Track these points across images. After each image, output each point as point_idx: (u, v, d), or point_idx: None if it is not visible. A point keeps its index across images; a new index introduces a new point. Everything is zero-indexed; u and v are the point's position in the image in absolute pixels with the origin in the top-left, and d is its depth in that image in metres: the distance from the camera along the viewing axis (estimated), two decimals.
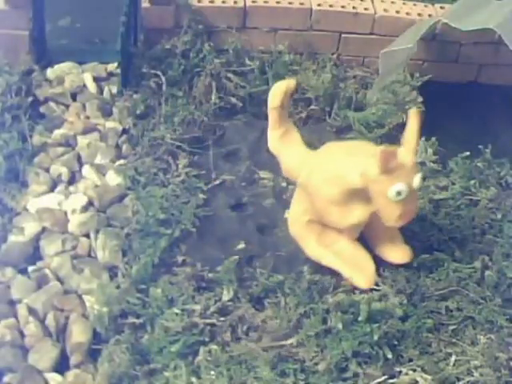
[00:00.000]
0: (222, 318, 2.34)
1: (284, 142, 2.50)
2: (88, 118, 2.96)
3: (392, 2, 3.21)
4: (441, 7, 3.22)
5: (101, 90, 3.08)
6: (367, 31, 3.16)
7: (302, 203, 2.47)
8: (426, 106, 2.98)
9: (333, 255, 2.48)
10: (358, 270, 2.47)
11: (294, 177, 2.49)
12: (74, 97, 3.04)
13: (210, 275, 2.44)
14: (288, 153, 2.49)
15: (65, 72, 3.12)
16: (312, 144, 2.91)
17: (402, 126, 2.93)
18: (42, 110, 2.97)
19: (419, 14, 3.16)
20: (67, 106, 3.00)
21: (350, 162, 2.34)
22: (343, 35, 3.16)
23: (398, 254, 2.52)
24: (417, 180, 2.28)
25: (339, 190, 2.33)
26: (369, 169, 2.25)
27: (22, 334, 2.29)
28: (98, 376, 2.21)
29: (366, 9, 3.14)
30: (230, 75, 3.04)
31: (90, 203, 2.66)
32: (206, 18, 3.07)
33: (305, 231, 2.50)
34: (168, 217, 2.56)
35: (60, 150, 2.82)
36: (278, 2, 3.11)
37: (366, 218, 2.38)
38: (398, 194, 2.24)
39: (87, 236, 2.57)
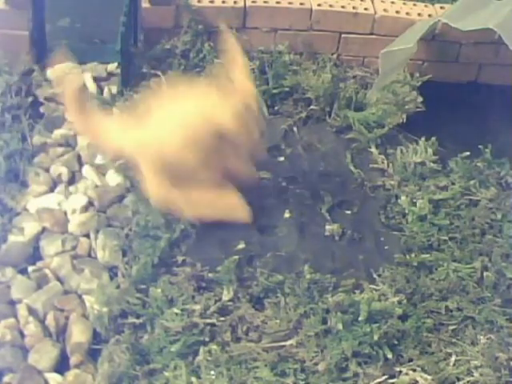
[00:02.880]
0: (222, 318, 2.34)
1: (95, 125, 2.48)
2: None
3: (392, 2, 3.21)
4: (441, 7, 3.22)
5: (101, 90, 3.08)
6: (367, 31, 3.16)
7: (159, 174, 2.44)
8: (426, 106, 2.99)
9: (206, 208, 2.52)
10: (233, 209, 2.54)
11: (127, 153, 2.47)
12: None
13: (210, 275, 2.44)
14: (107, 133, 2.47)
15: (65, 72, 3.12)
16: (312, 144, 2.93)
17: (402, 126, 2.96)
18: (41, 110, 2.97)
19: (419, 14, 3.16)
20: None
21: (193, 118, 2.38)
22: (343, 35, 3.16)
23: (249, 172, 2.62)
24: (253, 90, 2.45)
25: (199, 150, 2.38)
26: (224, 116, 2.36)
27: (22, 334, 2.29)
28: (98, 376, 2.21)
29: (366, 9, 3.15)
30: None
31: (90, 203, 2.66)
32: (205, 18, 3.07)
33: (172, 199, 2.49)
34: (168, 217, 2.56)
35: (60, 150, 2.82)
36: (278, 2, 3.11)
37: (230, 162, 2.47)
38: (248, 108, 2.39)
39: (87, 236, 2.57)
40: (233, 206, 2.55)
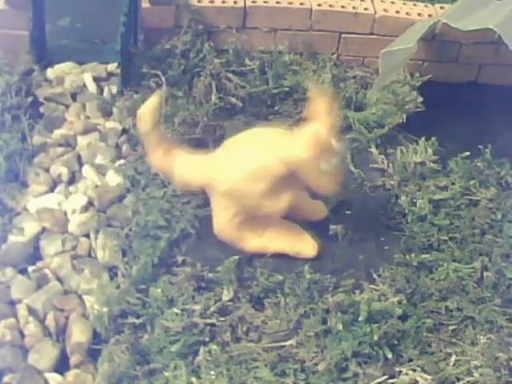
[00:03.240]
0: (222, 318, 2.34)
1: (170, 159, 2.52)
2: (88, 118, 2.96)
3: (392, 2, 3.21)
4: (441, 7, 3.22)
5: (101, 90, 3.08)
6: (367, 31, 3.16)
7: (227, 209, 2.48)
8: (426, 106, 2.99)
9: (272, 240, 2.53)
10: (299, 243, 2.54)
11: (196, 187, 2.53)
12: (74, 97, 3.04)
13: (210, 275, 2.44)
14: (180, 167, 2.51)
15: (65, 72, 3.12)
16: None
17: (402, 126, 2.96)
18: (41, 110, 2.97)
19: (419, 14, 3.16)
20: (67, 106, 3.00)
21: (264, 152, 2.41)
22: (343, 35, 3.16)
23: (316, 210, 2.63)
24: (337, 145, 2.39)
25: (266, 183, 2.39)
26: (297, 153, 2.36)
27: (22, 334, 2.29)
28: (98, 376, 2.21)
29: (365, 9, 3.14)
30: (229, 75, 3.04)
31: (90, 203, 2.66)
32: (205, 18, 3.07)
33: (238, 232, 2.52)
34: (168, 217, 2.56)
35: (60, 150, 2.82)
36: (277, 2, 3.11)
37: (294, 197, 2.46)
38: (328, 163, 2.38)
39: (87, 236, 2.57)
40: (299, 240, 2.55)
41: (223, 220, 2.51)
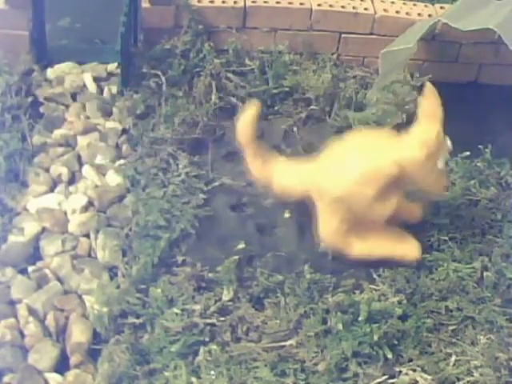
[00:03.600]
0: (222, 318, 2.34)
1: (269, 169, 2.52)
2: (88, 117, 2.96)
3: (392, 2, 3.21)
4: (441, 7, 3.22)
5: (101, 90, 3.08)
6: (367, 31, 3.16)
7: (334, 216, 2.45)
8: None
9: (376, 245, 2.50)
10: (403, 246, 2.51)
11: (298, 195, 2.50)
12: (74, 97, 3.04)
13: (210, 275, 2.44)
14: (280, 176, 2.51)
15: (65, 72, 3.12)
16: (312, 144, 2.93)
17: (402, 126, 2.95)
18: (41, 110, 2.97)
19: (419, 14, 3.16)
20: (67, 106, 3.00)
21: (374, 154, 2.38)
22: (343, 35, 3.16)
23: (414, 212, 2.59)
24: (448, 144, 2.39)
25: (377, 185, 2.36)
26: (412, 154, 2.34)
27: (22, 334, 2.29)
28: (98, 376, 2.21)
29: (365, 9, 3.14)
30: (229, 75, 3.04)
31: (90, 203, 2.66)
32: (205, 18, 3.07)
33: (346, 239, 2.49)
34: (168, 217, 2.56)
35: (60, 150, 2.82)
36: (278, 2, 3.11)
37: (400, 201, 2.43)
38: (442, 163, 2.38)
39: (87, 236, 2.57)
40: (403, 243, 2.52)
41: (331, 227, 2.47)
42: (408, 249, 2.52)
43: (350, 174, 2.38)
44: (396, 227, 2.54)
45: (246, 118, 2.48)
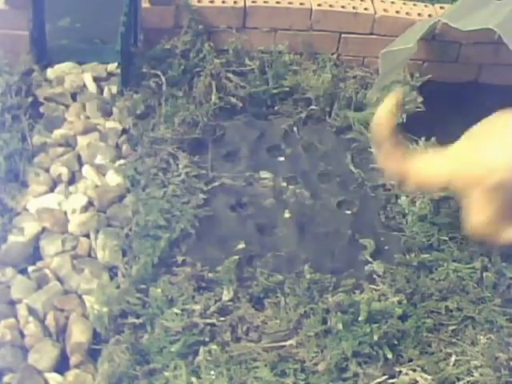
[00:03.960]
0: (222, 318, 2.34)
1: (407, 162, 2.44)
2: (88, 118, 2.96)
3: (392, 2, 3.21)
4: (441, 7, 3.22)
5: (101, 90, 3.08)
6: (367, 31, 3.16)
7: (492, 204, 2.35)
8: (426, 106, 2.99)
9: None
10: None
11: (442, 184, 2.43)
12: (74, 97, 3.04)
13: (210, 275, 2.44)
14: (421, 168, 2.43)
15: (65, 72, 3.12)
16: (312, 144, 2.93)
17: (402, 126, 2.95)
18: (41, 110, 2.97)
19: (419, 14, 3.16)
20: (67, 106, 3.00)
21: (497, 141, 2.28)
22: (343, 35, 3.16)
23: None
24: None
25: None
26: None
27: (22, 334, 2.29)
28: (98, 376, 2.21)
29: (365, 9, 3.14)
30: (229, 75, 3.04)
31: (90, 203, 2.66)
32: (205, 18, 3.07)
33: (500, 228, 2.41)
34: (168, 217, 2.56)
35: (60, 150, 2.82)
36: (278, 2, 3.10)
37: None
38: None
39: (87, 236, 2.57)
40: None
41: (486, 215, 2.37)
42: None
43: (507, 160, 2.26)
44: None
45: (385, 110, 2.35)
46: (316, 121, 3.03)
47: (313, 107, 3.03)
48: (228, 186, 2.75)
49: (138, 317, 2.33)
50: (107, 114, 2.99)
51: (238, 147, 2.90)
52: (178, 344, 2.25)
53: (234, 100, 3.00)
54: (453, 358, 2.32)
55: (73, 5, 3.36)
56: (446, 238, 2.63)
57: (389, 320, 2.34)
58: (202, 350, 2.27)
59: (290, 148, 2.92)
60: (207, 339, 2.29)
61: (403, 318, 2.38)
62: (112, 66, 3.17)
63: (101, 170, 2.77)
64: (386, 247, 2.63)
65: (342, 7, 3.14)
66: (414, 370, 2.28)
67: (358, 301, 2.37)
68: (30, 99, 2.94)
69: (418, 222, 2.66)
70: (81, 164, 2.80)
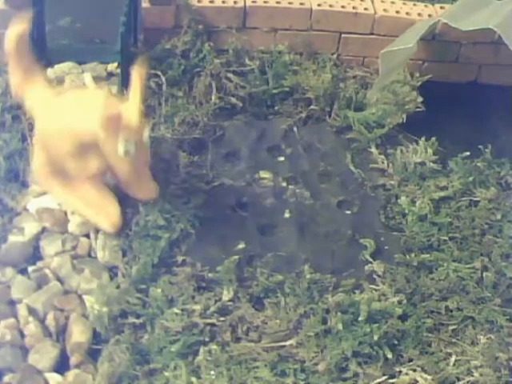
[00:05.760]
0: (222, 318, 2.34)
1: (27, 86, 2.51)
2: None
3: (392, 2, 3.21)
4: (441, 7, 3.21)
5: None
6: (367, 31, 3.16)
7: (41, 155, 2.51)
8: (426, 106, 2.99)
9: (77, 201, 2.54)
10: (103, 213, 2.52)
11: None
12: None
13: (210, 275, 2.44)
14: (31, 96, 2.51)
15: (65, 72, 3.12)
16: (312, 144, 2.93)
17: (402, 126, 2.96)
18: None
19: (419, 14, 3.16)
20: None
21: (81, 115, 2.38)
22: (343, 35, 3.16)
23: (145, 191, 2.57)
24: (146, 135, 2.39)
25: (72, 143, 2.39)
26: (96, 130, 2.31)
27: (22, 334, 2.29)
28: (98, 376, 2.21)
29: (365, 9, 3.14)
30: (229, 75, 3.04)
31: None
32: (205, 18, 3.07)
33: (48, 180, 2.55)
34: (168, 217, 2.56)
35: None
36: (278, 2, 3.10)
37: (105, 166, 2.44)
38: (126, 153, 2.33)
39: (87, 236, 2.57)
40: (101, 206, 2.53)
41: (36, 165, 2.54)
42: (105, 220, 2.51)
43: (56, 121, 2.41)
44: (110, 195, 2.53)
45: (18, 29, 2.46)
46: (316, 121, 3.03)
47: (313, 107, 3.03)
48: (228, 185, 2.75)
49: (138, 317, 2.33)
50: None
51: (238, 147, 2.90)
52: (177, 344, 2.25)
53: (233, 100, 3.00)
54: (453, 358, 2.32)
55: (73, 5, 3.36)
56: (446, 238, 2.63)
57: (389, 320, 2.35)
58: (202, 350, 2.27)
59: (289, 148, 2.92)
60: (207, 339, 2.29)
61: (403, 318, 2.38)
62: (112, 66, 3.16)
63: None
64: (385, 247, 2.63)
65: (342, 7, 3.13)
66: (414, 370, 2.28)
67: (357, 301, 2.37)
68: None
69: (418, 222, 2.66)
70: None
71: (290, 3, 3.11)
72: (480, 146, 2.93)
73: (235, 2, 3.08)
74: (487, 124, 3.10)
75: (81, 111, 2.40)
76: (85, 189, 2.52)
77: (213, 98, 2.97)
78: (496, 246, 2.63)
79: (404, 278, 2.50)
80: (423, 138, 2.91)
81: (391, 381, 2.26)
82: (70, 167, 2.47)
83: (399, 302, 2.41)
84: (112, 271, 2.47)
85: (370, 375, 2.25)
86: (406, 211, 2.70)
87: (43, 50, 3.13)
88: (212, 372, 2.21)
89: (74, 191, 2.54)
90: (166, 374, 2.21)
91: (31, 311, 2.33)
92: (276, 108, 3.04)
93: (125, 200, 2.55)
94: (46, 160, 2.51)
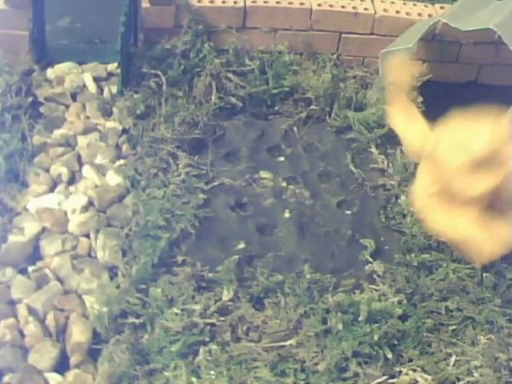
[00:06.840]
0: (222, 318, 2.34)
1: (405, 119, 2.54)
2: (88, 118, 2.96)
3: (392, 2, 3.21)
4: (441, 7, 3.22)
5: (101, 90, 3.08)
6: (367, 31, 3.16)
7: (428, 175, 2.44)
8: (426, 106, 2.98)
9: (458, 227, 2.42)
10: (495, 236, 2.40)
11: (417, 153, 2.51)
12: (74, 97, 3.04)
13: (210, 275, 2.44)
14: (410, 129, 2.54)
15: (65, 72, 3.12)
16: (312, 144, 2.93)
17: None
18: (41, 110, 2.96)
19: (419, 14, 3.16)
20: (67, 106, 3.00)
21: (475, 130, 2.36)
22: (343, 35, 3.16)
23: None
24: None
25: (466, 159, 2.33)
26: (499, 132, 2.28)
27: (22, 334, 2.29)
28: (98, 376, 2.21)
29: (365, 9, 3.14)
30: (229, 75, 3.04)
31: (90, 203, 2.66)
32: (205, 18, 3.07)
33: (431, 203, 2.45)
34: (168, 217, 2.56)
35: (60, 150, 2.82)
36: (278, 2, 3.11)
37: (494, 186, 2.35)
38: None
39: (87, 236, 2.57)
40: (492, 228, 2.40)
41: (420, 185, 2.49)
42: (491, 244, 2.39)
43: (448, 139, 2.38)
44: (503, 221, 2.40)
45: (403, 61, 2.46)
46: (316, 121, 3.03)
47: (313, 107, 3.03)
48: (228, 185, 2.75)
49: (138, 317, 2.33)
50: (107, 113, 2.99)
51: (238, 147, 2.90)
52: (177, 344, 2.25)
53: (233, 100, 3.00)
54: (453, 358, 2.32)
55: (73, 5, 3.36)
56: None
57: (389, 320, 2.35)
58: (202, 349, 2.27)
59: (289, 148, 2.92)
60: (207, 339, 2.29)
61: (403, 317, 2.38)
62: (112, 66, 3.17)
63: (101, 170, 2.77)
64: (385, 247, 2.63)
65: (342, 7, 3.14)
66: (414, 370, 2.28)
67: (357, 301, 2.37)
68: (30, 99, 2.94)
69: (417, 222, 2.66)
70: (81, 164, 2.80)
71: (290, 3, 3.11)
72: None
73: (235, 2, 3.08)
74: None
75: (474, 127, 2.37)
76: (466, 217, 2.39)
77: (213, 97, 2.97)
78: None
79: (404, 278, 2.50)
80: None
81: (391, 381, 2.26)
82: (460, 185, 2.35)
83: (399, 302, 2.41)
84: (112, 271, 2.47)
85: (370, 375, 2.25)
86: (406, 211, 2.70)
87: (43, 50, 3.14)
88: (212, 372, 2.21)
89: (454, 218, 2.40)
90: (166, 373, 2.21)
91: (31, 311, 2.33)
92: (276, 108, 3.04)
93: None
94: (433, 180, 2.42)
